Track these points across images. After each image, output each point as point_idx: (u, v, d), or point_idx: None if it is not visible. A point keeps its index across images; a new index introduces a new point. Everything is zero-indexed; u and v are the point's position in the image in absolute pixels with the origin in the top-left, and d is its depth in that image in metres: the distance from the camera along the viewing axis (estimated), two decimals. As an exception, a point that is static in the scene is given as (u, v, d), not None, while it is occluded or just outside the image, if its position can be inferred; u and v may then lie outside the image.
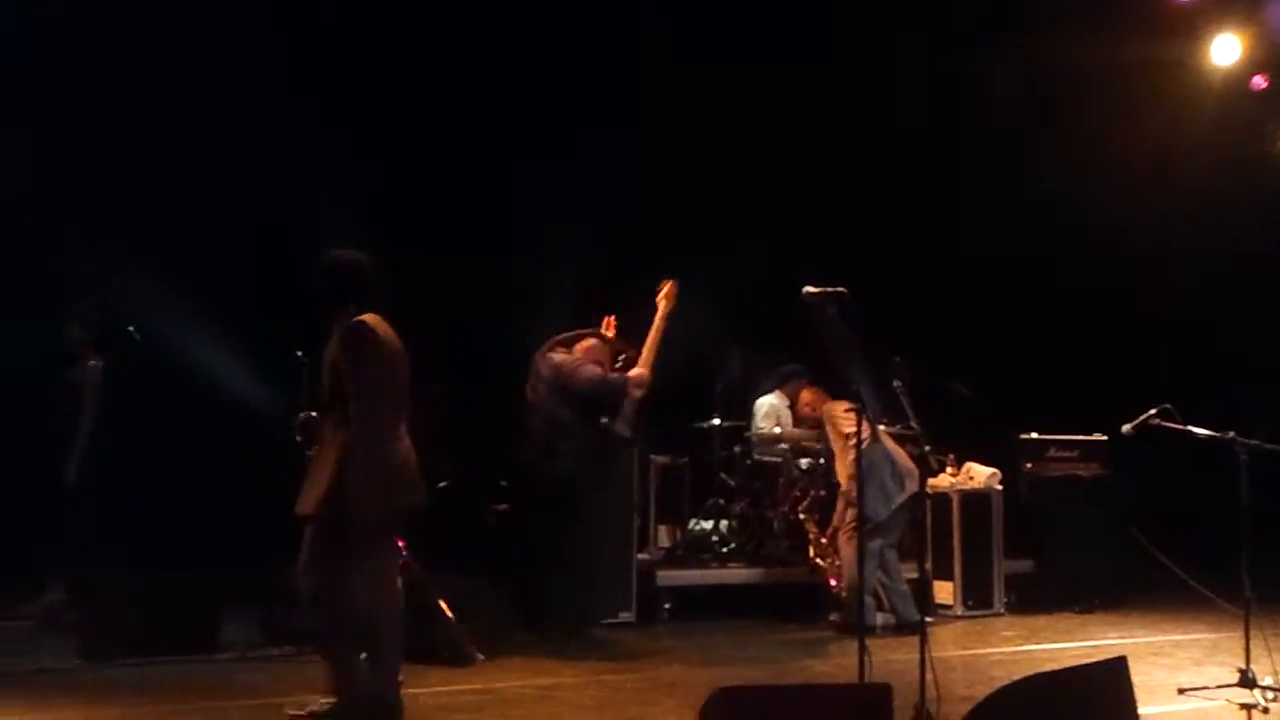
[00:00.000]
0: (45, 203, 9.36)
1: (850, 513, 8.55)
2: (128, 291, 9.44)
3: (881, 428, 9.57)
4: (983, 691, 5.21)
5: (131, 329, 8.83)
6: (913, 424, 9.36)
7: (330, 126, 10.04)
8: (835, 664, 7.54)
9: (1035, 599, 9.57)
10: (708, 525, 10.00)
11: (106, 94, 9.54)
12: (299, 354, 8.50)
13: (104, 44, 9.46)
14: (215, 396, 9.77)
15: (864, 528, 7.43)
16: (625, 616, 8.73)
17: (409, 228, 10.48)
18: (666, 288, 8.33)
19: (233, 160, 9.76)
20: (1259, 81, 10.72)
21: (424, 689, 6.64)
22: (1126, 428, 7.30)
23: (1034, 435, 9.92)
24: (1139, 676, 5.30)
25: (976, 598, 9.43)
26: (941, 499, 9.68)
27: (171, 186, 9.84)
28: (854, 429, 7.72)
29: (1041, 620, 9.17)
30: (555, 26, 10.76)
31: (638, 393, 8.10)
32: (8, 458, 8.56)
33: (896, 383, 9.28)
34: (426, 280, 10.42)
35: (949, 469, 9.80)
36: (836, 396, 9.27)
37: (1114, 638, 8.51)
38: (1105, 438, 9.93)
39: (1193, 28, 10.65)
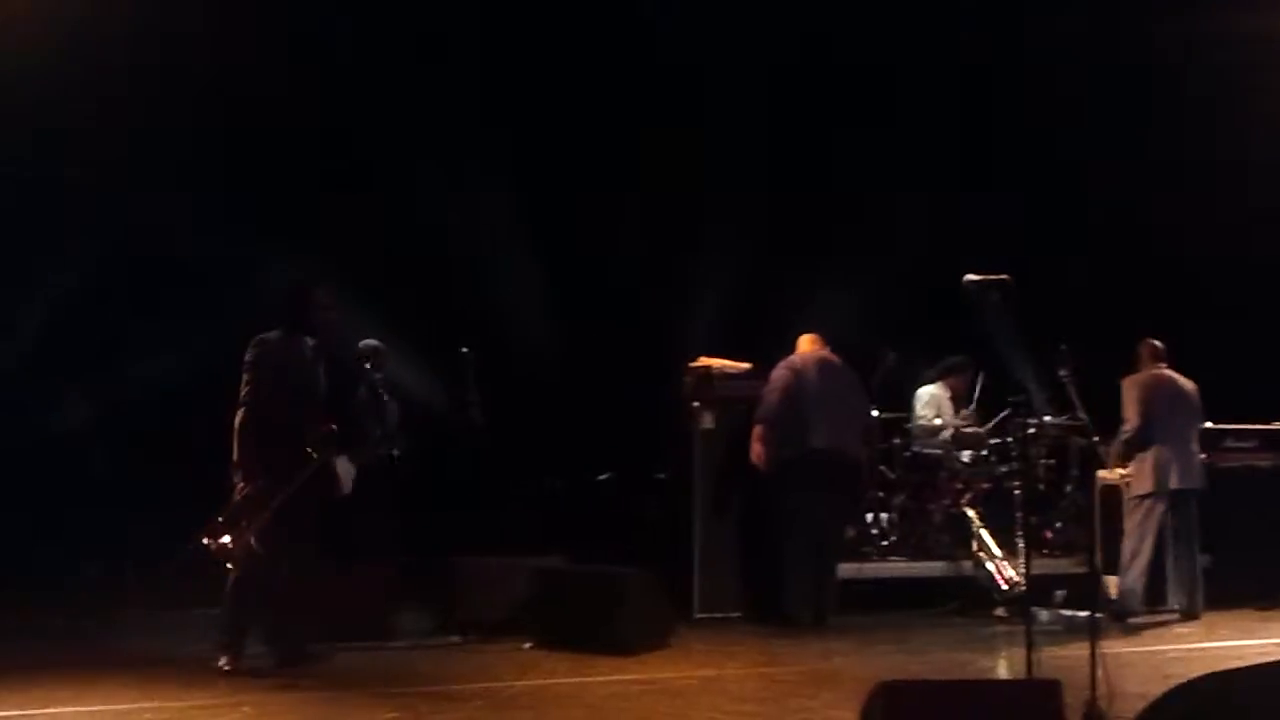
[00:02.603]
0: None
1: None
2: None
3: (1047, 419, 9.42)
4: (1157, 689, 5.06)
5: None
6: (1080, 414, 9.20)
7: (489, 127, 10.30)
8: (1001, 659, 7.44)
9: (1213, 595, 9.25)
10: (868, 518, 9.93)
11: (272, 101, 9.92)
12: (464, 349, 8.82)
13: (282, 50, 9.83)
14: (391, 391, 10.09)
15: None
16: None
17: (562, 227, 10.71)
18: None
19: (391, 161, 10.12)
20: None
21: (591, 678, 6.79)
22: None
23: (1210, 425, 9.57)
24: (1324, 676, 5.10)
25: (1150, 593, 9.15)
26: (1113, 492, 9.42)
27: (333, 181, 10.22)
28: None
29: (1220, 617, 8.85)
30: (719, 26, 10.82)
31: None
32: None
33: (1063, 372, 9.14)
34: (589, 284, 10.67)
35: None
36: (999, 387, 9.13)
37: (1297, 635, 8.19)
38: (1286, 427, 9.56)
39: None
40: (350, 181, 10.39)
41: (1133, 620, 8.66)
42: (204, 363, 8.46)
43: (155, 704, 6.13)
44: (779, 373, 8.58)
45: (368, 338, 8.83)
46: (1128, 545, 8.88)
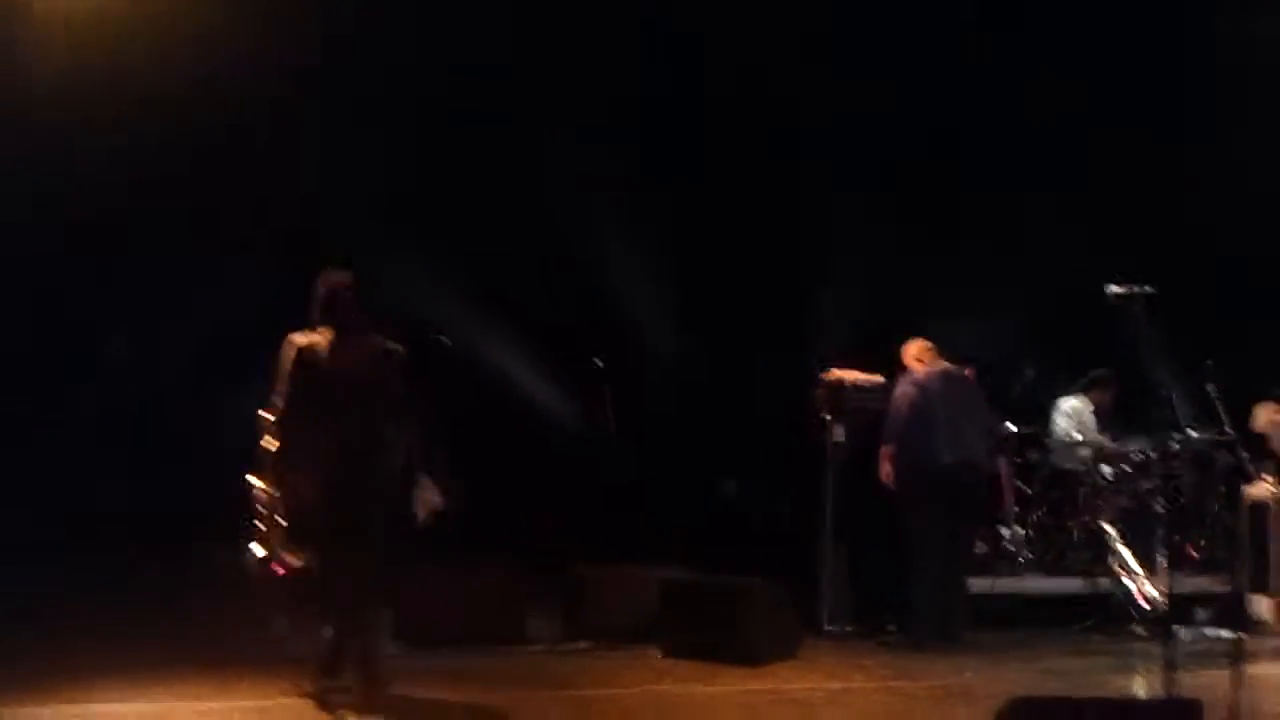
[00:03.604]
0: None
1: None
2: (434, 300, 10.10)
3: (1192, 434, 9.16)
4: (1303, 714, 4.92)
5: (443, 336, 9.40)
6: (1227, 429, 8.94)
7: (619, 136, 10.42)
8: (1138, 679, 7.25)
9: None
10: (1004, 533, 9.77)
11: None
12: (597, 360, 8.95)
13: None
14: (518, 403, 10.29)
15: None
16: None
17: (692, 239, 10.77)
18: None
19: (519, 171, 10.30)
20: None
21: (719, 687, 6.82)
22: None
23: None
24: None
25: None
26: (1260, 508, 9.12)
27: (464, 193, 10.44)
28: None
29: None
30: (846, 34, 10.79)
31: None
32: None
33: (1209, 386, 8.89)
34: (725, 294, 10.71)
35: (1267, 476, 9.21)
36: (1141, 401, 8.89)
37: None
38: None
39: None
40: (492, 197, 10.61)
41: None
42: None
43: (291, 700, 6.27)
44: (905, 389, 8.44)
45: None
46: None
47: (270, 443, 6.27)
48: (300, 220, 9.83)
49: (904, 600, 8.26)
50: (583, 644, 7.88)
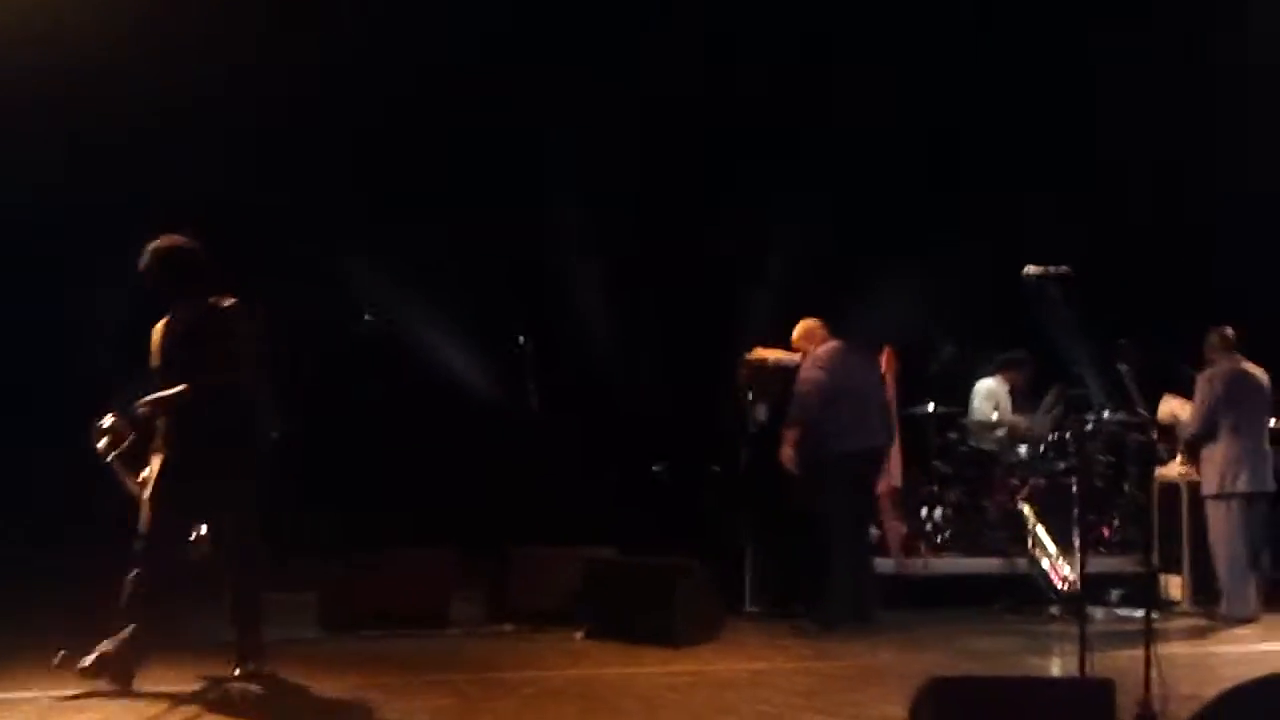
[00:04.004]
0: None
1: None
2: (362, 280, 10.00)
3: (1107, 414, 9.33)
4: (1211, 691, 5.00)
5: (368, 315, 9.31)
6: (1140, 410, 9.11)
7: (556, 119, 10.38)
8: (1053, 658, 7.39)
9: (1271, 596, 9.12)
10: (921, 513, 9.88)
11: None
12: (521, 339, 8.90)
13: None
14: (444, 380, 10.22)
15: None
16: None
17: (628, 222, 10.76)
18: (886, 357, 8.85)
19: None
20: None
21: (641, 669, 6.82)
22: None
23: (1273, 423, 9.43)
24: (1384, 682, 5.02)
25: (1207, 593, 9.04)
26: (1171, 489, 9.32)
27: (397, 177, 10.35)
28: None
29: (1278, 619, 8.72)
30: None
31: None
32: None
33: (1123, 367, 9.06)
34: (647, 275, 10.73)
35: (1179, 458, 9.42)
36: (1056, 380, 9.06)
37: (1359, 639, 8.05)
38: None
39: None
40: (419, 177, 10.51)
41: (1242, 619, 8.58)
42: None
43: (197, 685, 6.21)
44: (812, 374, 8.35)
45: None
46: (1215, 551, 8.76)
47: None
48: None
49: (821, 582, 8.32)
50: (506, 627, 7.85)
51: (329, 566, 7.90)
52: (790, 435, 8.29)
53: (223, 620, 6.43)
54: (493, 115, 10.51)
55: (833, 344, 8.49)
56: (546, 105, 10.58)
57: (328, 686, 6.29)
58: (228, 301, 6.16)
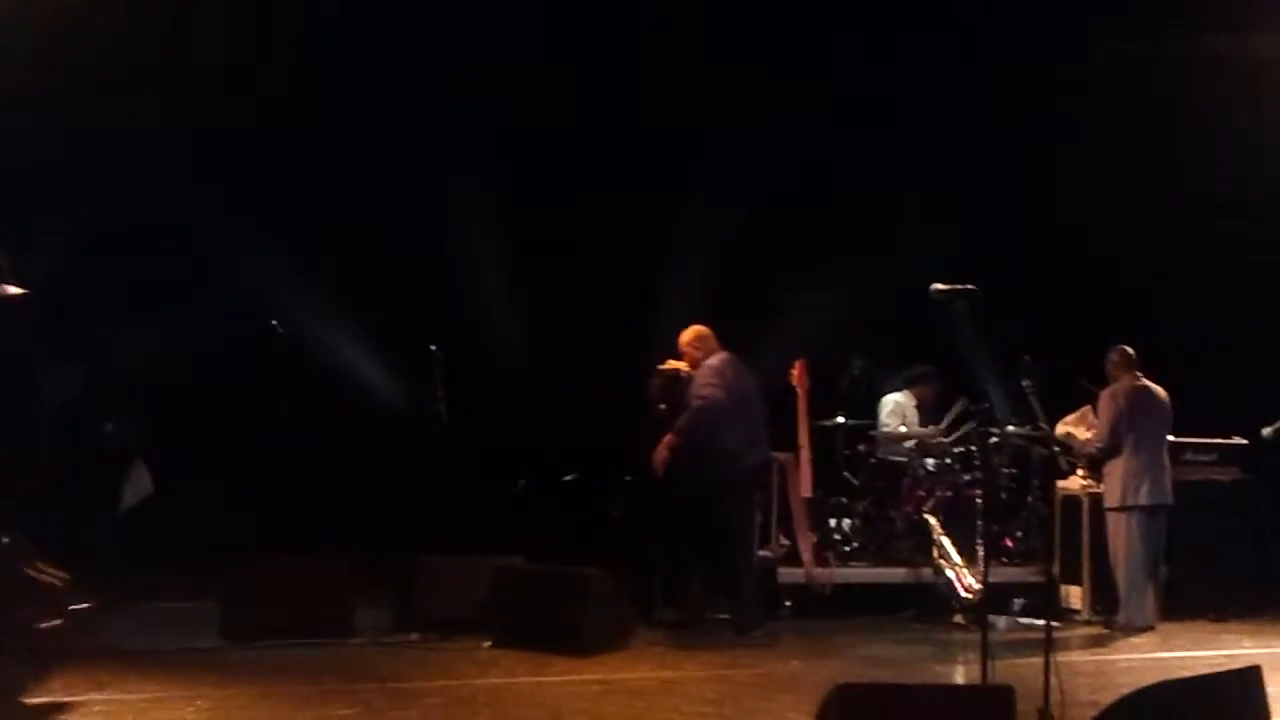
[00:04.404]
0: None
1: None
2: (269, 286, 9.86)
3: (1010, 428, 9.50)
4: (1109, 698, 5.12)
5: (275, 322, 9.19)
6: (1041, 425, 9.30)
7: (464, 117, 10.32)
8: (957, 665, 7.49)
9: (1169, 605, 9.34)
10: (830, 524, 9.97)
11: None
12: (433, 347, 8.83)
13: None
14: (352, 389, 10.11)
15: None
16: (748, 613, 8.80)
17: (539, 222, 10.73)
18: (798, 370, 8.93)
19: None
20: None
21: (550, 678, 6.80)
22: (1267, 431, 7.15)
23: (1170, 438, 9.68)
24: (1275, 688, 5.18)
25: (1106, 603, 9.23)
26: (1072, 501, 9.52)
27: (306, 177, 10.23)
28: None
29: (1174, 627, 8.93)
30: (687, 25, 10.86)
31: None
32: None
33: (1026, 383, 9.25)
34: (561, 284, 10.70)
35: (1080, 471, 9.62)
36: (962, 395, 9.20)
37: (1249, 647, 8.26)
38: (1244, 441, 9.65)
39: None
40: (327, 179, 10.39)
41: (1134, 628, 8.74)
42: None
43: (107, 695, 6.09)
44: (710, 392, 8.31)
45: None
46: (1116, 561, 8.94)
47: None
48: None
49: (729, 590, 8.36)
50: (413, 636, 7.77)
51: (231, 574, 7.74)
52: (672, 442, 8.27)
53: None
54: (403, 118, 10.41)
55: (725, 356, 8.51)
56: (451, 106, 10.52)
57: (229, 697, 6.19)
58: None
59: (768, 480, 8.71)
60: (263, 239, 10.05)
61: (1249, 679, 5.02)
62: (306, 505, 9.33)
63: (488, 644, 7.54)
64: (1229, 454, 9.79)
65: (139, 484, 8.45)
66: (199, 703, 6.04)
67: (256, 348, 9.35)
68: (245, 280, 9.99)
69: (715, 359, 8.48)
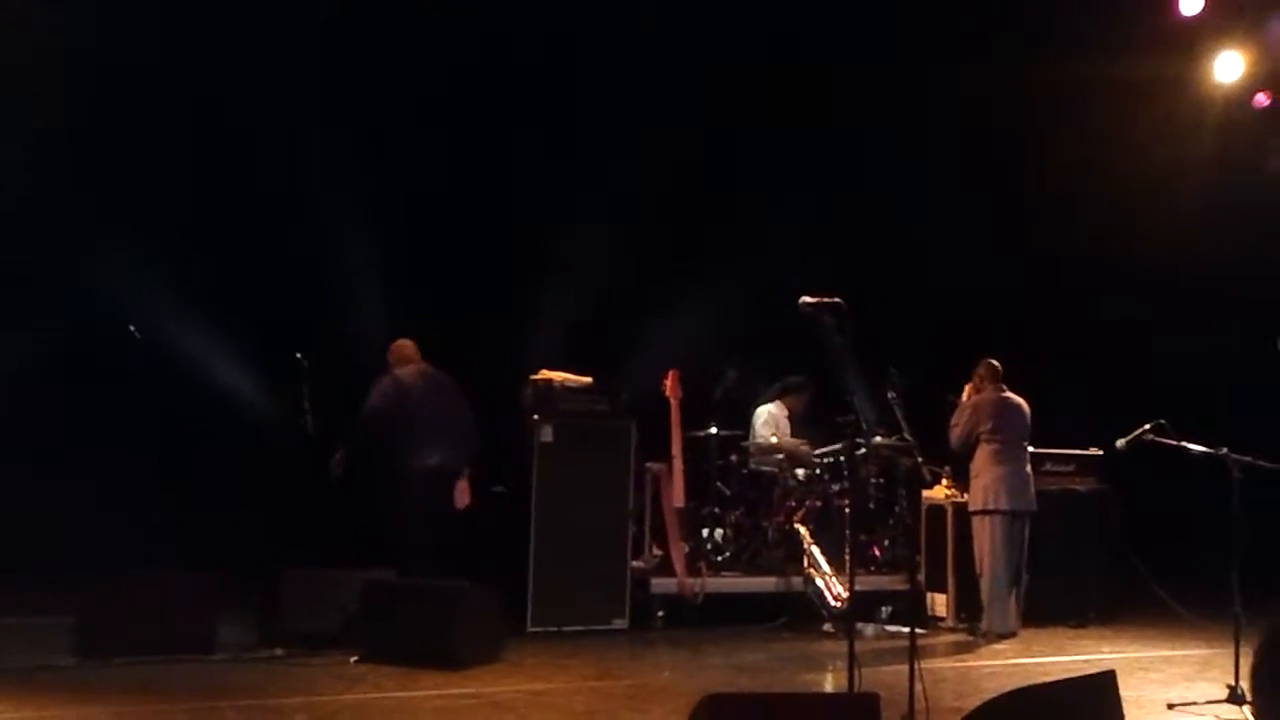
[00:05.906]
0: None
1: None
2: (128, 289, 9.57)
3: (877, 439, 9.66)
4: (973, 703, 5.23)
5: (132, 327, 8.91)
6: (906, 435, 9.47)
7: (333, 127, 10.15)
8: (826, 673, 7.58)
9: (1031, 612, 9.59)
10: (703, 534, 10.02)
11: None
12: (298, 356, 8.65)
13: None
14: (215, 397, 9.85)
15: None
16: (618, 623, 8.79)
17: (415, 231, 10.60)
18: (671, 380, 9.05)
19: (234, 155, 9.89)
20: (1261, 99, 10.73)
21: (419, 692, 6.70)
22: (1121, 442, 7.36)
23: (1030, 449, 9.95)
24: (1130, 691, 5.35)
25: (970, 610, 9.44)
26: (938, 510, 9.71)
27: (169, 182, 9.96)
28: None
29: (1034, 633, 9.18)
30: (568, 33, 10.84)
31: None
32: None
33: (891, 394, 9.41)
34: (432, 294, 10.57)
35: (944, 481, 9.83)
36: (831, 407, 9.29)
37: (1106, 652, 8.53)
38: (1101, 452, 9.95)
39: (1195, 45, 10.66)
40: (188, 179, 10.13)
41: (998, 635, 8.93)
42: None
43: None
44: (385, 390, 8.55)
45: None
46: (980, 566, 9.13)
47: None
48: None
49: None
50: (277, 651, 7.58)
51: (88, 588, 7.46)
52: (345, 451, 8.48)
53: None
54: (275, 119, 10.19)
55: (412, 368, 8.66)
56: (325, 111, 10.34)
57: (85, 718, 5.98)
58: None
59: (449, 489, 8.64)
60: (127, 242, 9.75)
61: (1104, 683, 5.17)
62: (167, 516, 9.05)
63: (355, 659, 7.40)
64: (1087, 464, 10.10)
65: None
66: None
67: (114, 353, 9.05)
68: (104, 284, 9.67)
69: (413, 369, 8.66)
